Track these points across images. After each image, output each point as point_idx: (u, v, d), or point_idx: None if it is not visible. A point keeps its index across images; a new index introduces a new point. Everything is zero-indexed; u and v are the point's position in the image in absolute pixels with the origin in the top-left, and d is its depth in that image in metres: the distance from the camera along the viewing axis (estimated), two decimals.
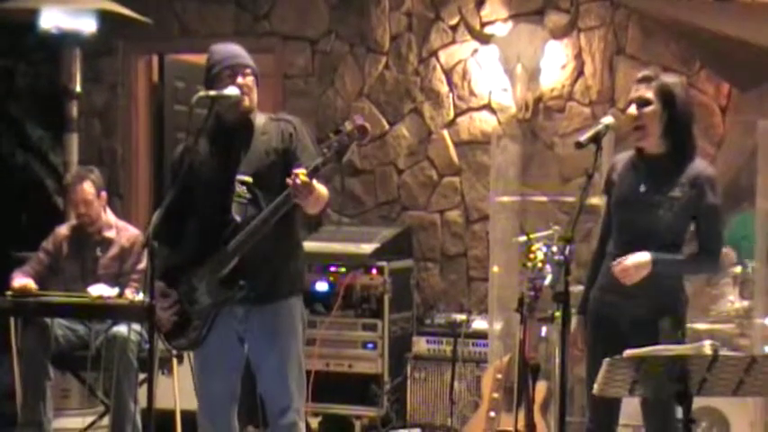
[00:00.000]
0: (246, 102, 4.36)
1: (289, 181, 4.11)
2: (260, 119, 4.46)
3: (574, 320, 4.35)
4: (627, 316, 4.28)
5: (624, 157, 4.44)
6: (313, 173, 4.12)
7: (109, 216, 6.24)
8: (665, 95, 4.23)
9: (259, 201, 4.31)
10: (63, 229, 6.28)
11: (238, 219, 4.29)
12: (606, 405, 4.26)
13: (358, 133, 4.11)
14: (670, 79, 4.32)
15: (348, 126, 4.13)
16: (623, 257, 4.19)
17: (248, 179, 4.34)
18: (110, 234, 6.16)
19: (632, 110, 4.25)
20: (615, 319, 4.31)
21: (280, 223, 4.28)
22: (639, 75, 4.36)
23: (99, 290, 5.82)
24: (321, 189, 4.24)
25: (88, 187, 6.09)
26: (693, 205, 4.26)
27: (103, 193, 6.19)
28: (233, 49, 4.46)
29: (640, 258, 4.18)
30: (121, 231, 6.19)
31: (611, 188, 4.42)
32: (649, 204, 4.24)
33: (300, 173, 4.09)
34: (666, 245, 4.25)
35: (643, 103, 4.23)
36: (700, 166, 4.30)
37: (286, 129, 4.43)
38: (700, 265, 4.39)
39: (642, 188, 4.27)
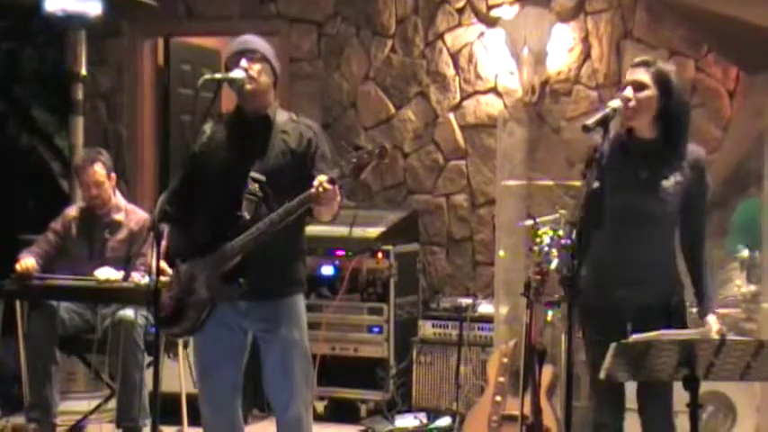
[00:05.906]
0: (251, 85, 4.32)
1: (318, 186, 4.08)
2: (281, 116, 4.42)
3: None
4: (633, 305, 4.24)
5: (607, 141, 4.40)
6: (331, 183, 4.12)
7: (118, 199, 6.23)
8: (662, 82, 4.22)
9: (270, 200, 4.28)
10: (72, 211, 6.26)
11: (247, 216, 4.26)
12: (612, 391, 4.25)
13: (378, 154, 4.13)
14: (667, 67, 4.32)
15: (370, 146, 4.18)
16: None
17: (262, 178, 4.30)
18: (119, 217, 6.15)
19: (628, 92, 4.21)
20: (621, 310, 4.26)
21: (289, 225, 4.25)
22: (636, 59, 4.35)
23: (106, 273, 5.80)
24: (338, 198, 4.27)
25: (99, 169, 6.07)
26: (694, 187, 4.25)
27: (113, 175, 6.18)
28: (244, 38, 4.44)
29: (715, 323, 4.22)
30: (130, 214, 6.18)
31: (598, 173, 4.33)
32: (652, 189, 4.22)
33: (322, 180, 4.08)
34: (664, 228, 4.26)
35: (639, 86, 4.22)
36: (696, 149, 4.31)
37: (306, 133, 4.40)
38: (704, 259, 4.36)
39: (643, 174, 4.25)
